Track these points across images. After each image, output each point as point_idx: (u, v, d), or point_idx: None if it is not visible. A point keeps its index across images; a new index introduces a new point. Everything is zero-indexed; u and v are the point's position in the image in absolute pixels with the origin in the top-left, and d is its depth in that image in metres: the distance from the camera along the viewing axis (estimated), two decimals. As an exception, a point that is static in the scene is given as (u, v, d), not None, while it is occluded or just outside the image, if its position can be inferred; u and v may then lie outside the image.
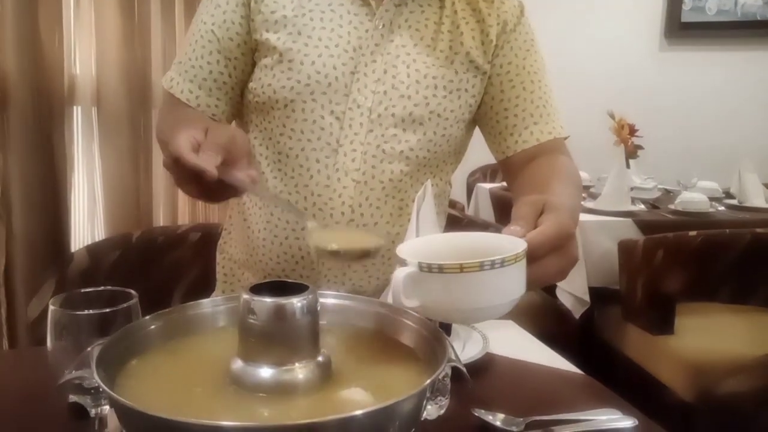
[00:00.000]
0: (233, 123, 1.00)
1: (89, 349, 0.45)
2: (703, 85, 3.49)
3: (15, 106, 1.48)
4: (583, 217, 2.15)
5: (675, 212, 2.26)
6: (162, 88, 0.97)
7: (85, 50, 1.64)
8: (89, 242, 1.67)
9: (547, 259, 0.58)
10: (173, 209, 1.86)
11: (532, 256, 0.57)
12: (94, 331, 0.55)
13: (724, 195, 2.62)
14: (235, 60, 0.91)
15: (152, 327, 0.51)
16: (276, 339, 0.45)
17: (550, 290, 2.19)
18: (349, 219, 0.88)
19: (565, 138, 0.96)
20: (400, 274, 0.54)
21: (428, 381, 0.41)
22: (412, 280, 0.54)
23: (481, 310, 0.56)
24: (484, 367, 0.80)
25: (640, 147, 2.65)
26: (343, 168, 0.87)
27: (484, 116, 0.95)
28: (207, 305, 0.55)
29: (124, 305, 0.57)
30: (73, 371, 0.44)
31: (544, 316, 2.30)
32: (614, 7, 3.60)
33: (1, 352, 1.43)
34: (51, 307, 0.57)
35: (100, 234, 1.71)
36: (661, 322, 1.85)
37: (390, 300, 0.60)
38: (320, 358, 0.46)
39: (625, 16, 3.59)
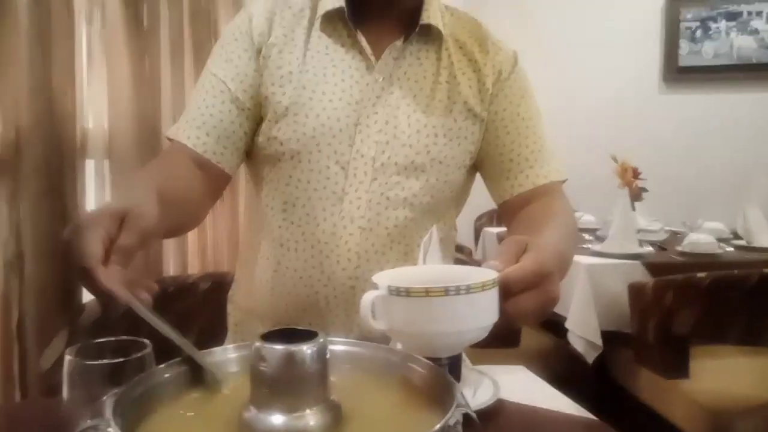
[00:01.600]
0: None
1: (105, 398, 0.46)
2: (703, 127, 3.54)
3: (29, 159, 1.52)
4: (592, 260, 2.15)
5: (683, 254, 2.27)
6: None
7: (97, 103, 1.69)
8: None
9: (525, 295, 0.60)
10: (183, 258, 1.88)
11: (508, 291, 0.59)
12: (109, 381, 0.55)
13: (731, 236, 2.62)
14: (247, 110, 0.94)
15: (166, 376, 0.51)
16: (287, 386, 0.46)
17: (562, 334, 2.17)
18: (355, 265, 0.90)
19: (563, 181, 0.98)
20: (369, 296, 0.57)
21: (438, 426, 0.41)
22: (382, 303, 0.57)
23: (447, 335, 0.58)
24: (495, 413, 0.80)
25: (644, 189, 2.66)
26: (348, 215, 0.89)
27: (483, 161, 0.98)
28: (219, 354, 0.56)
29: (138, 355, 0.58)
30: (89, 420, 0.44)
31: (556, 360, 2.28)
32: (614, 52, 3.68)
33: (15, 403, 1.42)
34: (67, 357, 0.58)
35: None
36: (675, 365, 1.84)
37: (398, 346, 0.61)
38: (331, 404, 0.47)
39: (625, 61, 3.66)
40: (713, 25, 3.49)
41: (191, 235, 1.91)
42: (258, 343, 0.47)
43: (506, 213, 0.97)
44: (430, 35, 0.95)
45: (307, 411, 0.46)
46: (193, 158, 0.92)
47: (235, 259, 1.93)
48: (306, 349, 0.46)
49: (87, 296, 1.66)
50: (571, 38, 3.78)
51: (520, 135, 0.96)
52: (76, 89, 1.60)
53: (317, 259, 0.90)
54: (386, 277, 0.62)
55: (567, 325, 2.09)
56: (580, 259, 2.16)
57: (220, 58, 0.96)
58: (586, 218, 2.86)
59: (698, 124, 3.54)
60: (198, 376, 0.53)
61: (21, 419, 0.82)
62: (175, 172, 0.89)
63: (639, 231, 2.54)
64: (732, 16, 3.46)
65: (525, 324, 0.67)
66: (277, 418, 0.45)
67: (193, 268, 1.90)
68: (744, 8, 3.43)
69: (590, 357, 2.03)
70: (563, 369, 2.24)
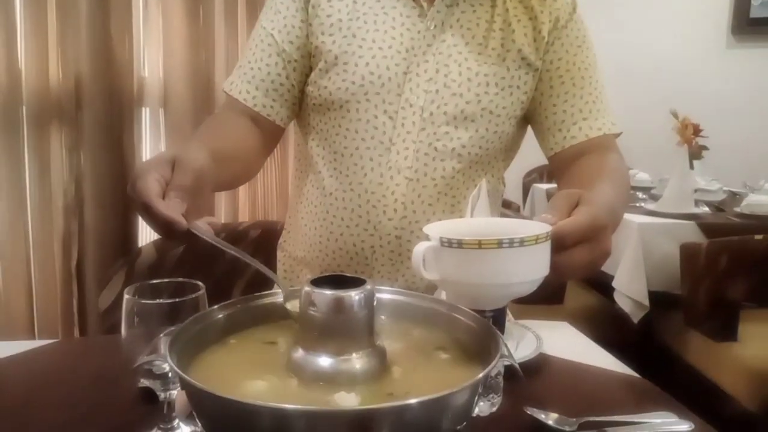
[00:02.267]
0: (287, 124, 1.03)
1: (161, 335, 0.48)
2: (773, 84, 3.35)
3: (88, 107, 1.56)
4: (644, 219, 2.10)
5: (741, 215, 2.18)
6: (223, 92, 1.00)
7: (153, 54, 1.72)
8: (156, 238, 1.75)
9: (577, 249, 0.60)
10: (234, 206, 1.92)
11: (561, 244, 0.59)
12: (165, 320, 0.58)
13: (795, 197, 2.51)
14: (294, 62, 0.94)
15: (219, 316, 0.54)
16: (335, 330, 0.47)
17: (608, 293, 2.14)
18: (401, 216, 0.90)
19: (617, 135, 0.95)
20: (420, 247, 0.57)
21: (481, 375, 0.42)
22: (433, 254, 0.57)
23: (498, 287, 0.58)
24: (538, 367, 0.80)
25: (705, 147, 2.56)
26: (395, 166, 0.89)
27: (535, 112, 0.96)
28: (272, 297, 0.58)
29: (193, 296, 0.61)
30: (146, 356, 0.47)
31: (601, 321, 2.25)
32: (679, 4, 3.49)
33: (74, 339, 1.51)
34: (126, 296, 0.61)
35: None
36: (725, 329, 1.80)
37: (443, 296, 0.62)
38: (377, 349, 0.48)
39: (691, 11, 3.47)
40: (790, -28, 3.26)
41: (243, 186, 1.95)
42: (308, 288, 0.48)
43: (557, 166, 0.96)
44: (486, -19, 0.92)
45: (354, 355, 0.47)
46: (246, 112, 0.94)
47: (285, 209, 1.96)
48: (354, 295, 0.47)
49: (143, 240, 1.73)
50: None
51: (575, 86, 0.93)
52: (133, 40, 1.62)
53: (364, 208, 0.91)
54: (437, 229, 0.62)
55: (614, 284, 2.06)
56: (633, 217, 2.10)
57: (270, 10, 0.96)
58: (641, 176, 2.77)
59: (767, 82, 3.35)
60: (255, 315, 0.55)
61: (81, 354, 0.87)
62: (228, 126, 0.92)
63: (696, 191, 2.46)
64: (811, -38, 3.22)
65: (575, 278, 0.67)
66: (325, 360, 0.47)
67: (244, 217, 1.95)
68: (826, -46, 3.19)
69: (636, 317, 2.01)
70: (608, 329, 2.22)
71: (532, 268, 0.59)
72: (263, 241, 1.53)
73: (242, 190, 1.96)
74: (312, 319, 0.47)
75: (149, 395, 0.63)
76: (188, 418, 0.62)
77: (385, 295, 0.58)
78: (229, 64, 1.83)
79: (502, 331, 0.76)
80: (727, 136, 3.14)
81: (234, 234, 1.60)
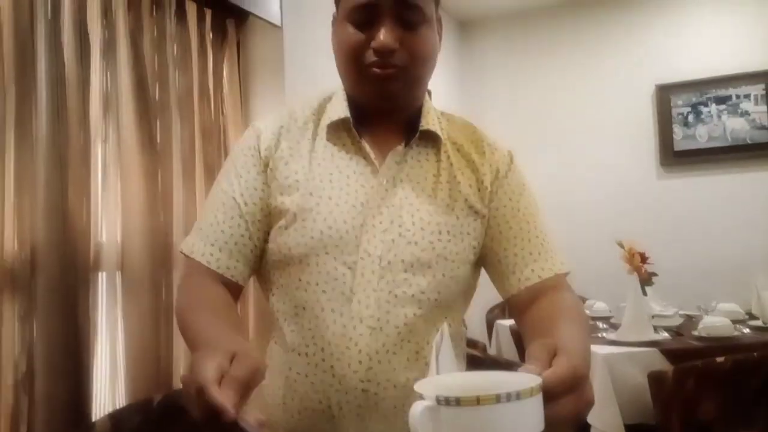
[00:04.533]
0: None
1: None
2: (704, 209, 3.59)
3: (42, 276, 1.54)
4: (608, 349, 2.11)
5: (700, 338, 2.22)
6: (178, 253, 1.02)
7: (111, 218, 1.74)
8: (110, 408, 1.66)
9: (564, 400, 0.60)
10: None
11: (549, 396, 0.58)
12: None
13: (747, 317, 2.59)
14: (258, 222, 0.97)
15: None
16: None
17: (585, 430, 2.09)
18: (367, 367, 0.89)
19: (566, 273, 0.99)
20: (417, 407, 0.55)
21: None
22: (431, 414, 0.55)
23: None
24: None
25: (654, 274, 2.66)
26: (358, 315, 0.90)
27: (487, 257, 1.00)
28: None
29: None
30: None
31: (581, 458, 2.18)
32: (611, 142, 3.81)
33: None
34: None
35: (120, 397, 1.70)
36: (703, 456, 1.76)
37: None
38: None
39: (622, 149, 3.78)
40: (704, 110, 3.62)
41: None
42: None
43: (515, 308, 0.98)
44: (430, 139, 1.00)
45: None
46: (209, 274, 0.96)
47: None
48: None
49: (97, 411, 1.63)
50: (569, 131, 3.93)
51: (522, 230, 0.98)
52: (90, 206, 1.65)
53: (328, 362, 0.90)
54: (429, 386, 0.61)
55: (589, 419, 2.02)
56: (597, 348, 2.12)
57: (230, 174, 1.00)
58: (598, 305, 2.83)
59: (700, 206, 3.59)
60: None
61: None
62: (210, 291, 0.95)
63: (653, 317, 2.51)
64: (721, 100, 3.59)
65: (564, 428, 0.65)
66: None
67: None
68: (732, 92, 3.57)
69: (616, 452, 1.95)
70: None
71: (530, 421, 0.57)
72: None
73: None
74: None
75: None
76: None
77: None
78: (187, 226, 1.87)
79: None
80: (675, 261, 3.29)
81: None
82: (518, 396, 0.54)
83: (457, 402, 0.55)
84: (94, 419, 1.57)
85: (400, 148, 0.98)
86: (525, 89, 4.03)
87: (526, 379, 0.59)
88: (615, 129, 3.79)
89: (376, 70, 0.93)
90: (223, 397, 0.60)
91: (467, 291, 1.01)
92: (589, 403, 0.63)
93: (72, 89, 1.58)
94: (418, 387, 0.59)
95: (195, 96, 1.97)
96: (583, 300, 3.04)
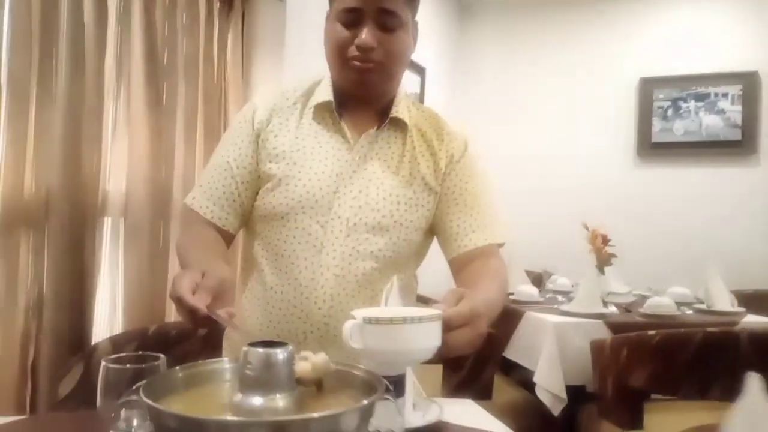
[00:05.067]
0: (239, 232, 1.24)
1: (136, 385, 0.66)
2: (674, 199, 3.79)
3: (54, 216, 1.73)
4: (559, 318, 2.34)
5: (644, 315, 2.45)
6: (181, 204, 1.23)
7: (117, 169, 1.92)
8: (112, 334, 1.88)
9: (460, 330, 0.82)
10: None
11: (448, 326, 0.80)
12: (133, 383, 0.75)
13: (695, 300, 2.81)
14: (246, 183, 1.17)
15: (180, 375, 0.71)
16: (264, 379, 0.66)
17: (532, 389, 2.33)
18: (329, 306, 1.10)
19: (501, 244, 1.19)
20: (348, 324, 0.79)
21: (365, 402, 0.61)
22: (358, 329, 0.78)
23: (404, 353, 0.80)
24: (437, 429, 0.98)
25: (613, 255, 2.87)
26: (325, 265, 1.11)
27: (436, 226, 1.20)
28: (220, 362, 0.76)
29: (156, 363, 0.78)
30: (127, 396, 0.64)
31: (528, 414, 2.42)
32: (593, 129, 3.99)
33: (43, 415, 1.56)
34: (103, 364, 0.78)
35: (118, 327, 1.91)
36: (631, 418, 1.99)
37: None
38: (294, 392, 0.67)
39: (603, 136, 3.97)
40: (683, 105, 3.80)
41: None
42: (245, 348, 0.67)
43: (454, 267, 1.19)
44: (398, 125, 1.19)
45: (277, 395, 0.65)
46: (206, 222, 1.17)
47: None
48: (279, 352, 0.66)
49: (96, 339, 1.84)
50: (554, 116, 4.10)
51: (466, 206, 1.19)
52: (100, 156, 1.83)
53: (299, 299, 1.11)
54: (361, 312, 0.84)
55: (535, 379, 2.26)
56: (548, 317, 2.35)
57: (228, 142, 1.20)
58: (561, 281, 3.05)
59: (671, 196, 3.80)
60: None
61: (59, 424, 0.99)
62: (204, 235, 1.17)
63: (609, 294, 2.74)
64: (701, 97, 3.77)
65: (459, 352, 0.87)
66: (257, 400, 0.65)
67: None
68: (711, 90, 3.75)
69: (556, 410, 2.19)
70: (535, 422, 2.39)
71: (428, 339, 0.81)
72: (210, 337, 1.68)
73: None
74: (248, 370, 0.66)
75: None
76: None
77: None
78: (186, 179, 2.05)
79: (403, 393, 0.95)
80: (639, 245, 3.50)
81: (184, 331, 1.75)
82: (420, 320, 0.78)
83: (377, 321, 0.79)
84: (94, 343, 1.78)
85: (373, 130, 1.18)
86: (515, 72, 4.19)
87: (431, 311, 0.81)
88: (598, 116, 3.97)
89: (357, 63, 1.11)
90: (195, 300, 0.83)
91: (418, 253, 1.22)
92: (481, 335, 0.85)
93: (90, 50, 1.75)
94: (354, 312, 0.81)
95: (200, 61, 2.13)
96: (549, 275, 3.27)
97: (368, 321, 0.80)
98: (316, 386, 0.72)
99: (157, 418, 0.60)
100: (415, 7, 1.17)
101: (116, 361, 0.80)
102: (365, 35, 1.09)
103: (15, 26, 1.59)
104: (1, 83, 1.58)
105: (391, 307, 1.07)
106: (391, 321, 0.79)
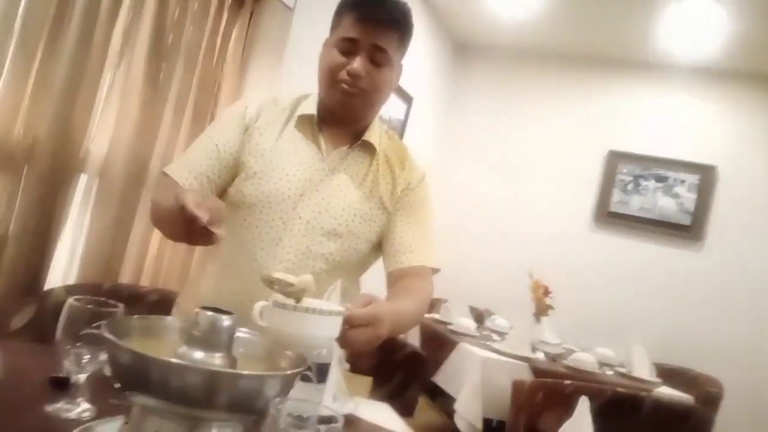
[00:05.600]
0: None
1: (97, 323, 0.77)
2: (620, 266, 4.02)
3: (35, 162, 1.81)
4: (488, 354, 2.49)
5: (567, 367, 2.61)
6: (158, 175, 1.32)
7: (103, 132, 2.01)
8: (67, 284, 1.95)
9: (360, 329, 0.95)
10: (138, 273, 2.16)
11: (349, 323, 0.93)
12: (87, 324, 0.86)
13: (617, 364, 2.99)
14: (226, 168, 1.28)
15: (136, 323, 0.82)
16: (207, 337, 0.77)
17: (452, 416, 2.46)
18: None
19: (435, 270, 1.33)
20: (259, 304, 0.90)
21: (287, 372, 0.73)
22: (267, 310, 0.90)
23: (303, 338, 0.91)
24: (349, 422, 1.10)
25: (551, 307, 3.04)
26: (279, 257, 1.22)
27: (382, 241, 1.33)
28: (174, 320, 0.87)
29: (115, 310, 0.89)
30: (89, 329, 0.75)
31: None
32: (559, 188, 4.20)
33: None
34: (68, 302, 0.89)
35: (71, 280, 1.99)
36: (536, 456, 2.13)
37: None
38: (231, 353, 0.78)
39: (566, 196, 4.18)
40: (643, 183, 4.03)
41: (151, 254, 2.20)
42: (197, 310, 0.78)
43: (390, 281, 1.32)
44: (368, 148, 1.33)
45: (216, 354, 0.77)
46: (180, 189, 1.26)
47: (181, 282, 2.21)
48: (224, 318, 0.78)
49: (50, 285, 1.91)
50: (527, 167, 4.31)
51: (410, 228, 1.32)
52: (90, 117, 1.92)
53: (250, 283, 1.22)
54: (276, 296, 0.95)
55: (455, 406, 2.39)
56: (479, 351, 2.49)
57: (218, 126, 1.32)
58: (499, 321, 3.21)
59: (616, 263, 4.02)
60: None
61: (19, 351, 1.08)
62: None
63: (540, 341, 2.90)
64: (660, 179, 4.00)
65: (357, 348, 1.00)
66: (198, 354, 0.76)
67: (145, 282, 2.18)
68: (672, 175, 3.99)
69: (469, 438, 2.32)
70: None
71: (327, 331, 0.93)
72: (160, 305, 1.78)
73: (150, 258, 2.20)
74: (195, 329, 0.77)
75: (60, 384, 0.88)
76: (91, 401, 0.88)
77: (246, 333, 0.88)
78: (166, 156, 2.15)
79: (324, 380, 1.07)
80: (579, 303, 3.69)
81: (136, 294, 1.84)
82: (321, 312, 0.90)
83: (284, 306, 0.90)
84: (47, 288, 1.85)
85: (345, 148, 1.31)
86: (497, 118, 4.40)
87: (336, 308, 0.93)
88: (565, 178, 4.19)
89: (345, 86, 1.25)
90: (198, 211, 0.91)
91: (364, 262, 1.35)
92: (378, 337, 0.98)
93: (102, 19, 1.85)
94: (273, 296, 0.92)
95: (202, 50, 2.24)
96: (490, 314, 3.43)
97: (276, 305, 0.91)
98: (296, 300, 0.89)
99: (113, 351, 0.71)
100: (404, 51, 1.32)
101: (79, 301, 0.91)
102: (357, 64, 1.23)
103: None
104: (13, 32, 1.67)
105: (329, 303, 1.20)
106: (295, 308, 0.90)
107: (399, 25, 1.26)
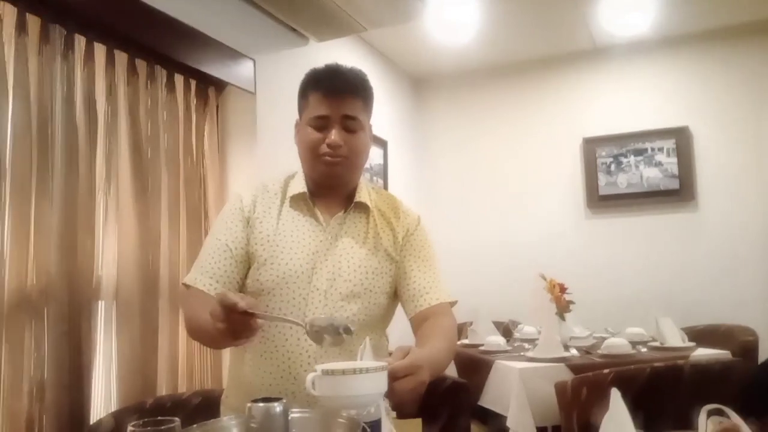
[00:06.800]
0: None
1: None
2: (623, 246, 4.08)
3: (53, 302, 1.88)
4: (524, 364, 2.52)
5: (603, 356, 2.64)
6: (169, 283, 1.39)
7: (109, 255, 2.09)
8: (105, 412, 2.00)
9: (404, 379, 1.01)
10: (174, 380, 2.21)
11: (393, 376, 0.99)
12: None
13: (650, 339, 3.02)
14: (242, 263, 1.36)
15: (198, 431, 0.89)
16: (267, 429, 0.84)
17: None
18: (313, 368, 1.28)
19: (453, 303, 1.39)
20: (309, 376, 0.98)
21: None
22: (318, 379, 0.96)
23: (354, 398, 0.97)
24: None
25: (571, 302, 3.08)
26: None
27: (397, 290, 1.41)
28: (228, 420, 0.93)
29: (172, 425, 0.95)
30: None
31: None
32: (546, 187, 4.29)
33: None
34: (130, 428, 0.95)
35: (113, 404, 2.03)
36: (598, 453, 2.15)
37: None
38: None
39: (555, 192, 4.26)
40: (624, 160, 4.12)
41: (181, 358, 2.26)
42: (249, 404, 0.85)
43: (414, 325, 1.39)
44: (362, 208, 1.42)
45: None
46: (208, 298, 1.33)
47: (218, 377, 2.26)
48: (276, 406, 0.85)
49: (94, 418, 1.96)
50: (509, 179, 4.42)
51: (420, 270, 1.40)
52: (94, 245, 2.00)
53: (287, 364, 1.28)
54: (320, 366, 1.01)
55: (507, 423, 2.42)
56: (515, 364, 2.53)
57: (223, 228, 1.40)
58: (527, 329, 3.24)
59: (619, 244, 4.08)
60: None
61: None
62: (206, 303, 1.31)
63: (571, 338, 2.93)
64: (639, 152, 4.10)
65: (405, 399, 1.06)
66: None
67: (182, 388, 2.23)
68: (648, 145, 4.08)
69: (529, 450, 2.34)
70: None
71: (374, 388, 0.98)
72: (205, 405, 1.83)
73: (180, 365, 2.26)
74: (252, 423, 0.84)
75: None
76: None
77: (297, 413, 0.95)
78: (171, 260, 2.23)
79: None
80: (594, 291, 3.73)
81: (179, 402, 1.89)
82: (367, 371, 0.96)
83: (332, 373, 0.96)
84: (91, 422, 1.90)
85: (341, 213, 1.40)
86: (470, 138, 4.52)
87: (380, 364, 0.99)
88: (549, 175, 4.29)
89: (328, 158, 1.34)
90: (237, 299, 1.00)
91: (386, 314, 1.42)
92: (422, 383, 1.04)
93: (82, 150, 1.95)
94: (317, 366, 0.99)
95: (180, 152, 2.35)
96: (516, 324, 3.47)
97: (324, 373, 0.98)
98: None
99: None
100: (370, 112, 1.42)
101: (137, 427, 0.97)
102: (334, 136, 1.33)
103: (16, 132, 1.78)
104: (5, 184, 1.76)
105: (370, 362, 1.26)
106: (343, 372, 0.97)
107: (361, 92, 1.37)
